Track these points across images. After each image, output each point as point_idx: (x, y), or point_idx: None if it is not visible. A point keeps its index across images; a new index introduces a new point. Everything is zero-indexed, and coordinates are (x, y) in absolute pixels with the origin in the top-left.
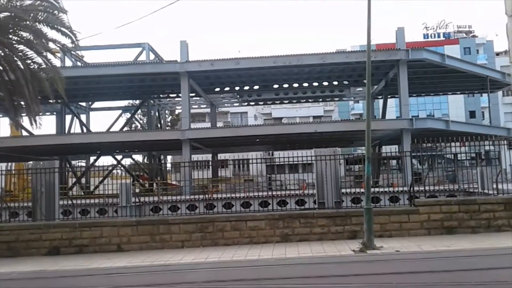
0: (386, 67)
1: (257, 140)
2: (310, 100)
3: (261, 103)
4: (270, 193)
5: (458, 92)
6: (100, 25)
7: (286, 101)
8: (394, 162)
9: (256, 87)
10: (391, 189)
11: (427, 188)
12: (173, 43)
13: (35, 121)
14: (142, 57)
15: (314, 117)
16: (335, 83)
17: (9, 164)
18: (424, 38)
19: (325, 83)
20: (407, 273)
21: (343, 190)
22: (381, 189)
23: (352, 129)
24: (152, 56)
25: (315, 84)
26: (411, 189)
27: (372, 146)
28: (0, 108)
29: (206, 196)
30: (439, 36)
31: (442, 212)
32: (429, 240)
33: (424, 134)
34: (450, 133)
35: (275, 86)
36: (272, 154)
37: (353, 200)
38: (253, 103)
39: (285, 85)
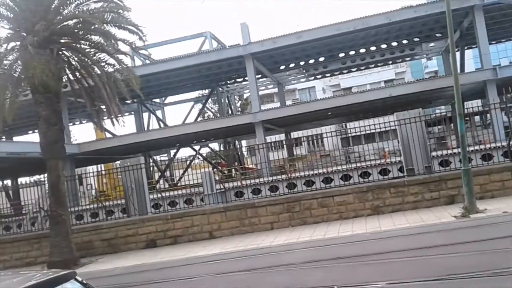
0: (460, 16)
1: (329, 113)
2: (379, 64)
3: (328, 75)
4: (352, 165)
5: None
6: (151, 23)
7: (354, 69)
8: (477, 118)
9: (321, 59)
10: (481, 146)
11: None
12: (230, 30)
13: (118, 121)
14: (205, 46)
15: (385, 81)
16: (405, 42)
17: (98, 165)
18: None
19: (394, 44)
20: None
21: None
22: (471, 148)
23: (429, 88)
24: (215, 44)
25: (384, 46)
26: (510, 143)
27: (453, 103)
28: (84, 114)
29: (287, 175)
30: None
31: None
32: None
33: (510, 84)
34: None
35: (341, 55)
36: (346, 126)
37: (441, 163)
38: (319, 76)
39: (352, 52)
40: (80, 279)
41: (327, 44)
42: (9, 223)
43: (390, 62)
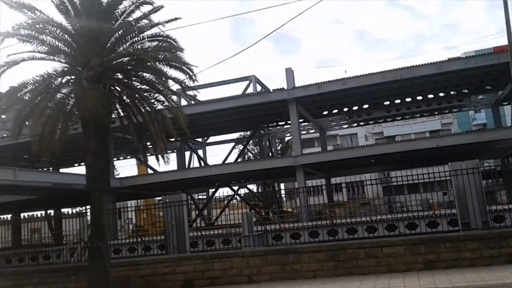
0: None
1: (372, 161)
2: (425, 114)
3: (371, 122)
4: (397, 215)
5: None
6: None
7: (399, 118)
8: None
9: (365, 106)
10: None
11: None
12: (272, 72)
13: (163, 157)
14: (249, 90)
15: (430, 132)
16: (453, 93)
17: (138, 200)
18: None
19: (441, 94)
20: None
21: None
22: None
23: (480, 140)
24: (259, 88)
25: (430, 96)
26: None
27: (503, 157)
28: (128, 150)
29: (330, 221)
30: None
31: None
32: None
33: None
34: None
35: (386, 103)
36: (388, 175)
37: (494, 218)
38: (362, 123)
39: (397, 101)
40: None
41: (372, 92)
42: (49, 252)
43: (436, 112)
